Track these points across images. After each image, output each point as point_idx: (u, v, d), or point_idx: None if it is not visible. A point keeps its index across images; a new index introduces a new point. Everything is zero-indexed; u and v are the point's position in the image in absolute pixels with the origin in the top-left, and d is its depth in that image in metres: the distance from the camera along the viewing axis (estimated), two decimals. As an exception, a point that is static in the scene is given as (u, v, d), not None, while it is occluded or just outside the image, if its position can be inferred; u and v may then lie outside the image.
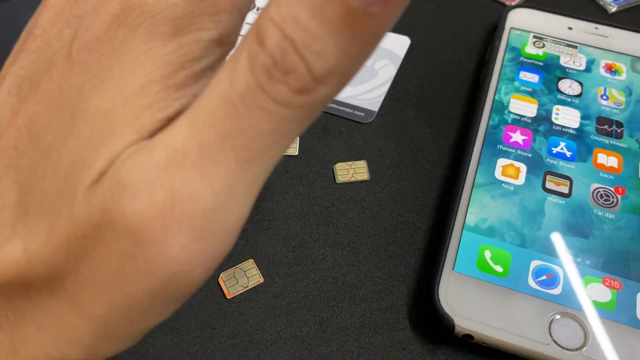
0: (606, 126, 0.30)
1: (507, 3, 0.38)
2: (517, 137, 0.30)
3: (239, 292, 0.26)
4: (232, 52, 0.14)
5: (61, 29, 0.15)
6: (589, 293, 0.24)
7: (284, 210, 0.28)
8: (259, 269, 0.26)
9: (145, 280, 0.13)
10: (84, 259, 0.13)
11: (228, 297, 0.25)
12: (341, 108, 0.32)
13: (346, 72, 0.12)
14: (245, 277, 0.26)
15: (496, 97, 0.31)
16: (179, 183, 0.13)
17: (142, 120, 0.13)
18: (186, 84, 0.14)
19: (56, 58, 0.15)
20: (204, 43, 0.14)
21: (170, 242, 0.13)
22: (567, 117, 0.31)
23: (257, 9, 0.38)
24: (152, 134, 0.13)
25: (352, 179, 0.29)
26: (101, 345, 0.15)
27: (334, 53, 0.11)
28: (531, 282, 0.25)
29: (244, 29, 0.18)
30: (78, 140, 0.14)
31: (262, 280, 0.26)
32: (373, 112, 0.32)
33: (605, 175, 0.28)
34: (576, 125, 0.30)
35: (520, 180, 0.28)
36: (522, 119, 0.30)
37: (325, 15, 0.11)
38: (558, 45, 0.34)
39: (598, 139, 0.30)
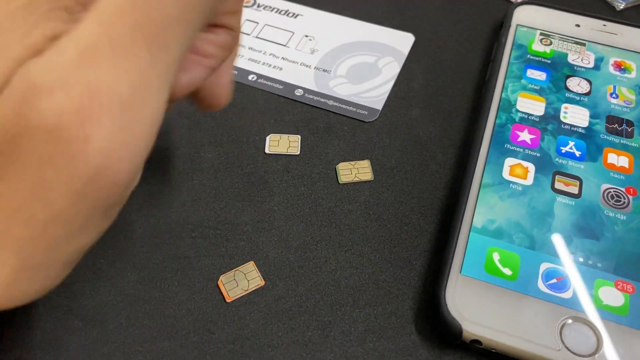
0: (616, 125, 0.29)
1: (513, 0, 0.37)
2: (525, 136, 0.29)
3: (239, 296, 0.25)
4: None
5: None
6: (601, 297, 0.23)
7: (285, 211, 0.27)
8: (260, 272, 0.25)
9: (67, 182, 0.13)
10: None
11: (228, 301, 0.25)
12: (344, 106, 0.32)
13: None
14: (246, 280, 0.25)
15: (503, 95, 0.30)
16: (94, 76, 0.12)
17: (32, 39, 0.13)
18: (75, 9, 0.14)
19: None
20: None
21: (90, 135, 0.12)
22: (576, 115, 0.30)
23: (257, 5, 0.38)
24: (41, 51, 0.13)
25: (355, 179, 0.29)
26: (23, 280, 0.14)
27: None
28: (541, 286, 0.24)
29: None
30: None
31: (263, 283, 0.25)
32: (377, 110, 0.31)
33: (615, 176, 0.27)
34: (585, 124, 0.29)
35: (529, 180, 0.27)
36: (529, 117, 0.30)
37: None
38: (566, 43, 0.33)
39: (608, 138, 0.29)
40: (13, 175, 0.13)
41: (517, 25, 0.34)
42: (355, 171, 0.29)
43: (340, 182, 0.28)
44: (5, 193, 0.13)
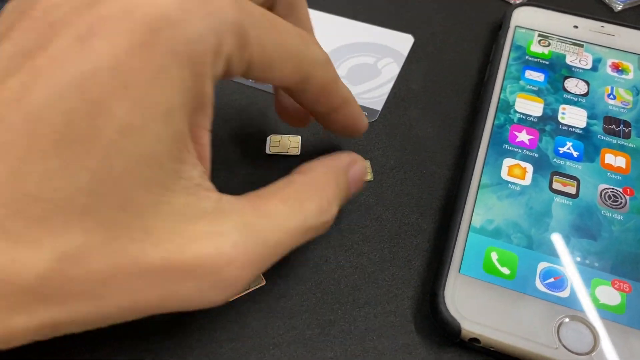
0: (613, 126, 0.30)
1: (512, 1, 0.37)
2: (523, 136, 0.29)
3: (239, 295, 0.25)
4: None
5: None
6: (598, 296, 0.24)
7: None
8: (261, 271, 0.26)
9: None
10: None
11: (229, 300, 0.25)
12: (344, 107, 0.32)
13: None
14: (247, 279, 0.25)
15: (501, 96, 0.31)
16: None
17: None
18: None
19: None
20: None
21: None
22: (573, 116, 0.30)
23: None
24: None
25: (355, 179, 0.29)
26: None
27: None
28: (539, 285, 0.24)
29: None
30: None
31: (263, 282, 0.25)
32: (376, 111, 0.32)
33: (613, 176, 0.28)
34: (583, 125, 0.30)
35: (527, 180, 0.27)
36: (528, 118, 0.30)
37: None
38: (564, 44, 0.33)
39: (605, 138, 0.29)
40: None
41: (516, 26, 0.34)
42: None
43: (340, 182, 0.29)
44: None
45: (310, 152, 0.30)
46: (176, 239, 0.17)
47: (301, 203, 0.20)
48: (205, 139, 0.19)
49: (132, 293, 0.17)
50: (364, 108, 0.32)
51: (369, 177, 0.29)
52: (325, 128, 0.26)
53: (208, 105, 0.18)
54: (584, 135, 0.29)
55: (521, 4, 0.35)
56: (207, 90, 0.18)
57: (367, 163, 0.29)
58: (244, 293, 0.25)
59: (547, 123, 0.30)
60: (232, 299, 0.25)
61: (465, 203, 0.26)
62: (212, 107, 0.19)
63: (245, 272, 0.18)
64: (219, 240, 0.17)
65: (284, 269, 0.26)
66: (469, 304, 0.23)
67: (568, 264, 0.25)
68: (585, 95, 0.31)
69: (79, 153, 0.15)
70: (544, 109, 0.30)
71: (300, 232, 0.20)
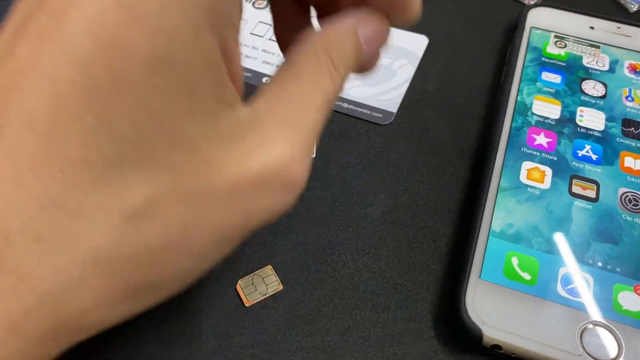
0: (632, 128, 0.29)
1: (526, 2, 0.37)
2: (542, 139, 0.29)
3: (257, 300, 0.25)
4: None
5: None
6: (621, 302, 0.23)
7: (303, 215, 0.27)
8: (278, 276, 0.25)
9: None
10: None
11: (246, 305, 0.25)
12: (359, 109, 0.32)
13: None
14: (264, 284, 0.25)
15: (518, 98, 0.30)
16: None
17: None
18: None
19: None
20: None
21: None
22: (591, 119, 0.30)
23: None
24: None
25: (372, 183, 0.29)
26: None
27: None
28: (560, 290, 0.24)
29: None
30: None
31: (281, 287, 0.25)
32: (392, 113, 0.31)
33: (633, 179, 0.27)
34: (601, 127, 0.29)
35: (546, 184, 0.27)
36: (545, 120, 0.30)
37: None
38: (580, 45, 0.33)
39: (624, 141, 0.29)
40: None
41: (531, 27, 0.34)
42: None
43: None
44: None
45: (325, 155, 0.30)
46: (234, 159, 0.16)
47: (314, 77, 0.19)
48: (236, 52, 0.18)
49: (214, 226, 0.16)
50: (379, 110, 0.32)
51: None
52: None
53: (237, 15, 0.17)
54: (603, 138, 0.29)
55: (536, 5, 0.35)
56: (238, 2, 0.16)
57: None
58: (262, 298, 0.25)
59: (565, 125, 0.29)
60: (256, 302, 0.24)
61: (484, 207, 0.26)
62: (241, 16, 0.17)
63: (304, 160, 0.18)
64: (270, 145, 0.17)
65: (302, 275, 0.26)
66: (490, 310, 0.23)
67: (590, 269, 0.24)
68: (603, 97, 0.31)
69: (110, 102, 0.14)
70: (562, 111, 0.30)
71: (325, 105, 0.19)
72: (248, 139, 0.17)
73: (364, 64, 0.21)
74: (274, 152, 0.17)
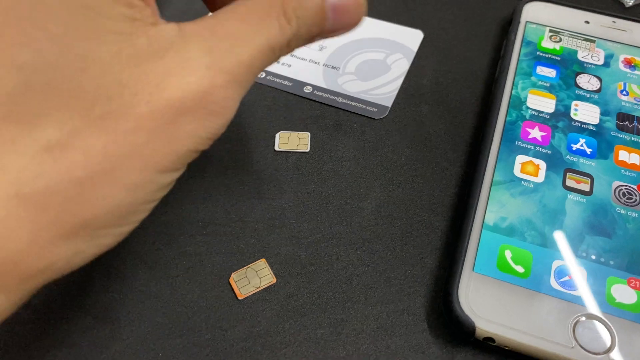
0: (627, 122, 0.29)
1: (522, -4, 0.37)
2: (536, 133, 0.29)
3: (250, 293, 0.25)
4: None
5: None
6: (614, 294, 0.23)
7: (296, 209, 0.27)
8: (271, 269, 0.25)
9: None
10: None
11: (240, 298, 0.25)
12: (353, 103, 0.32)
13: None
14: (257, 277, 0.25)
15: (513, 92, 0.30)
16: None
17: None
18: None
19: None
20: None
21: None
22: (586, 113, 0.30)
23: None
24: None
25: (366, 177, 0.28)
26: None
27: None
28: (553, 283, 0.24)
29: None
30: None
31: (274, 280, 0.25)
32: (386, 107, 0.31)
33: (627, 173, 0.27)
34: (596, 121, 0.29)
35: (540, 177, 0.27)
36: (540, 114, 0.29)
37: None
38: (575, 40, 0.33)
39: (619, 135, 0.29)
40: None
41: (527, 22, 0.34)
42: None
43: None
44: None
45: (319, 149, 0.30)
46: (151, 80, 0.16)
47: (260, 20, 0.18)
48: None
49: (140, 151, 0.16)
50: (373, 104, 0.32)
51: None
52: None
53: None
54: (597, 132, 0.29)
55: (531, -1, 0.35)
56: None
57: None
58: (255, 291, 0.25)
59: (560, 119, 0.29)
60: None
61: (478, 200, 0.26)
62: None
63: (230, 91, 0.17)
64: (191, 68, 0.16)
65: (295, 268, 0.26)
66: (483, 302, 0.23)
67: (583, 262, 0.24)
68: (598, 91, 0.31)
69: (9, 34, 0.14)
70: (556, 105, 0.30)
71: (266, 50, 0.18)
72: (168, 58, 0.16)
73: (325, 31, 0.20)
74: (195, 76, 0.16)
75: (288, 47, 0.19)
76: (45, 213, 0.14)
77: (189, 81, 0.16)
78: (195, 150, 0.17)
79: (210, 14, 0.19)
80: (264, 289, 0.25)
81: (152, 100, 0.15)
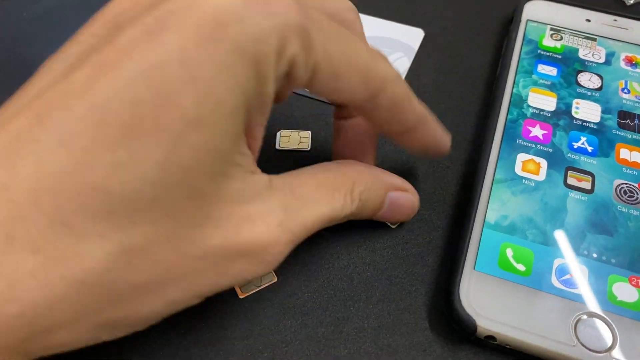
0: (628, 120, 0.29)
1: (523, -6, 0.37)
2: (537, 131, 0.29)
3: (252, 292, 0.25)
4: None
5: None
6: (615, 293, 0.23)
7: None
8: (272, 268, 0.25)
9: None
10: None
11: (241, 297, 0.25)
12: (354, 102, 0.31)
13: None
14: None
15: (514, 90, 0.30)
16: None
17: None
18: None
19: None
20: None
21: None
22: (587, 111, 0.30)
23: None
24: None
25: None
26: None
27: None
28: (555, 281, 0.24)
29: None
30: None
31: (275, 279, 0.25)
32: (387, 106, 0.31)
33: (628, 171, 0.27)
34: (597, 119, 0.29)
35: (541, 176, 0.27)
36: (541, 113, 0.29)
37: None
38: (576, 38, 0.33)
39: (620, 133, 0.29)
40: None
41: (528, 20, 0.34)
42: None
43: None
44: None
45: (320, 147, 0.30)
46: (233, 220, 0.18)
47: (330, 193, 0.21)
48: (260, 134, 0.20)
49: (194, 275, 0.17)
50: (374, 103, 0.31)
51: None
52: (403, 148, 0.25)
53: (267, 104, 0.18)
54: (599, 130, 0.29)
55: (532, -2, 0.35)
56: (268, 91, 0.18)
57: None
58: (256, 290, 0.25)
59: (561, 118, 0.29)
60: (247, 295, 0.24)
61: (479, 199, 0.26)
62: (270, 107, 0.19)
63: (286, 248, 0.19)
64: (267, 221, 0.18)
65: (296, 266, 0.25)
66: (484, 301, 0.23)
67: (584, 260, 0.24)
68: (599, 89, 0.31)
69: (147, 144, 0.15)
70: (558, 103, 0.30)
71: (326, 219, 0.21)
72: (253, 205, 0.18)
73: (377, 217, 0.25)
74: (267, 229, 0.18)
75: (343, 219, 0.22)
76: (96, 303, 0.16)
77: (261, 231, 0.18)
78: (229, 287, 0.19)
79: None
80: (265, 287, 0.25)
81: (227, 237, 0.17)
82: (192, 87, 0.15)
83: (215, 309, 0.24)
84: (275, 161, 0.29)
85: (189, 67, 0.15)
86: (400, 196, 0.25)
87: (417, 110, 0.23)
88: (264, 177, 0.19)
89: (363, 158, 0.25)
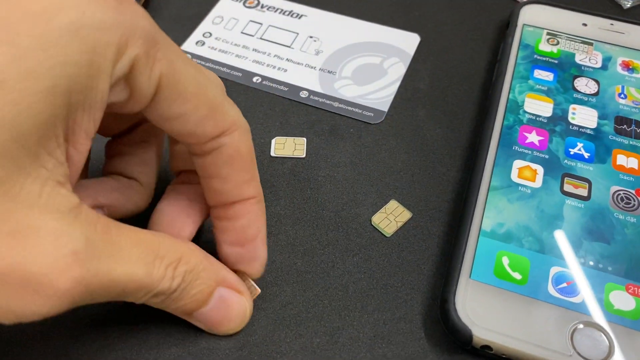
0: (625, 126, 0.29)
1: (519, -1, 0.37)
2: (533, 137, 0.28)
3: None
4: None
5: None
6: (612, 301, 0.23)
7: (292, 215, 0.27)
8: (267, 277, 0.25)
9: None
10: None
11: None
12: (349, 108, 0.31)
13: None
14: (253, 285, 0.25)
15: (510, 96, 0.30)
16: None
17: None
18: None
19: None
20: None
21: None
22: (584, 116, 0.29)
23: (261, 6, 0.37)
24: None
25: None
26: None
27: None
28: (551, 290, 0.24)
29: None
30: None
31: (258, 291, 0.24)
32: (383, 112, 0.31)
33: (625, 177, 0.27)
34: (594, 125, 0.29)
35: (538, 182, 0.27)
36: (537, 118, 0.29)
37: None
38: (573, 42, 0.33)
39: (617, 139, 0.29)
40: None
41: (524, 24, 0.34)
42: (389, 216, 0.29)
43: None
44: None
45: (315, 154, 0.29)
46: (10, 225, 0.14)
47: (153, 258, 0.18)
48: (84, 145, 0.17)
49: None
50: (369, 109, 0.31)
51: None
52: (215, 235, 0.23)
53: (97, 107, 0.16)
54: (595, 136, 0.29)
55: (529, 2, 0.35)
56: (101, 88, 0.16)
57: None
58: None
59: (557, 123, 0.29)
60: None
61: (475, 206, 0.26)
62: (101, 113, 0.17)
63: (75, 289, 0.15)
64: (60, 242, 0.15)
65: (291, 276, 0.25)
66: (480, 310, 0.23)
67: (581, 268, 0.24)
68: (596, 94, 0.30)
69: None
70: (554, 109, 0.30)
71: (137, 284, 0.18)
72: (45, 218, 0.15)
73: (197, 315, 0.22)
74: (53, 253, 0.15)
75: (156, 298, 0.19)
76: None
77: (47, 252, 0.15)
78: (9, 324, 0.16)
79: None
80: (260, 297, 0.25)
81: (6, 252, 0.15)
82: (6, 49, 0.14)
83: (209, 320, 0.24)
84: (269, 168, 0.29)
85: (8, 29, 0.14)
86: (232, 296, 0.22)
87: (256, 184, 0.22)
88: (73, 198, 0.16)
89: (184, 226, 0.22)
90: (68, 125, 0.16)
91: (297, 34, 0.35)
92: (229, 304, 0.22)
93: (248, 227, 0.22)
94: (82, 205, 0.16)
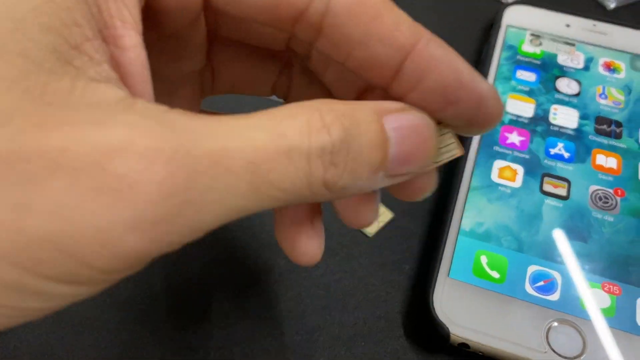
0: (605, 126, 0.29)
1: (503, 0, 0.37)
2: (514, 138, 0.29)
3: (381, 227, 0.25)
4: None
5: None
6: (588, 299, 0.24)
7: (274, 216, 0.27)
8: (248, 276, 0.26)
9: None
10: None
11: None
12: (334, 109, 0.32)
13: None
14: (236, 284, 0.25)
15: (492, 97, 0.30)
16: None
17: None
18: None
19: None
20: None
21: None
22: (565, 117, 0.30)
23: None
24: None
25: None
26: None
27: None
28: (528, 288, 0.24)
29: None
30: None
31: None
32: (367, 113, 0.31)
33: (604, 177, 0.27)
34: (574, 125, 0.29)
35: (517, 182, 0.27)
36: (519, 119, 0.30)
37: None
38: (556, 43, 0.33)
39: (597, 139, 0.29)
40: None
41: (508, 25, 0.34)
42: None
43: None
44: None
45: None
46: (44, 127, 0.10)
47: (277, 120, 0.13)
48: (126, 39, 0.13)
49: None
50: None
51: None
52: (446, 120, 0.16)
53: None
54: (576, 136, 0.29)
55: (513, 3, 0.35)
56: None
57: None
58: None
59: (539, 124, 0.29)
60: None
61: (454, 206, 0.26)
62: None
63: (161, 161, 0.11)
64: (105, 125, 0.11)
65: (272, 274, 0.26)
66: (458, 308, 0.23)
67: (558, 267, 0.25)
68: (577, 95, 0.31)
69: None
70: (536, 109, 0.30)
71: (272, 150, 0.12)
72: (81, 114, 0.11)
73: (393, 165, 0.14)
74: (106, 132, 0.11)
75: (324, 153, 0.13)
76: None
77: (122, 136, 0.11)
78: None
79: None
80: (243, 299, 0.25)
81: (72, 138, 0.11)
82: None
83: (191, 319, 0.24)
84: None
85: None
86: (405, 117, 0.14)
87: (411, 28, 0.15)
88: (120, 92, 0.12)
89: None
90: (92, 12, 0.12)
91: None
92: (409, 128, 0.14)
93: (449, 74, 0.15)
94: (138, 99, 0.12)
